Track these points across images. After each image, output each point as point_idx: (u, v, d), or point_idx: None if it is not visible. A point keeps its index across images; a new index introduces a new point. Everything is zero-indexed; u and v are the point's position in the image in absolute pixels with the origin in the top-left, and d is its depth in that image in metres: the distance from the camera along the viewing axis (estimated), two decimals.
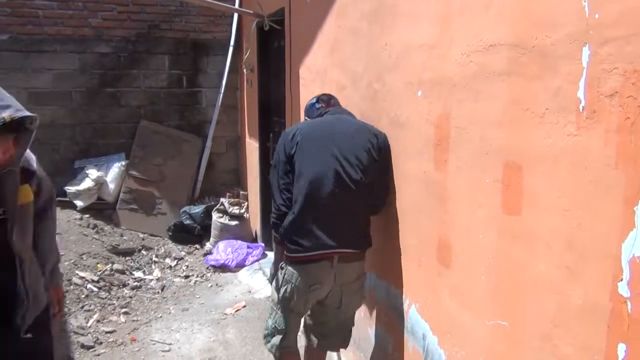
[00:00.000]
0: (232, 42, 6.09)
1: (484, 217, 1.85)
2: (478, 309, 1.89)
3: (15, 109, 1.72)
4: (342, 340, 2.78)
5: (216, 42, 6.14)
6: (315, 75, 3.59)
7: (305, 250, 2.43)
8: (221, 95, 6.18)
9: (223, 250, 5.16)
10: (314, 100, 2.79)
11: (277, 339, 2.61)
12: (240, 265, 5.03)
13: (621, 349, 1.33)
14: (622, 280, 1.31)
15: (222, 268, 5.05)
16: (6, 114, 1.69)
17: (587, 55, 1.38)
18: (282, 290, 2.53)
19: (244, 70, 5.63)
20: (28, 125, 1.80)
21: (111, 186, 5.57)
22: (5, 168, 1.86)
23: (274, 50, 4.85)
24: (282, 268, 2.55)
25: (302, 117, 2.92)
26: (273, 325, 2.63)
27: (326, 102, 2.78)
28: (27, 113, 1.75)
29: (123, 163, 5.71)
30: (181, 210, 5.61)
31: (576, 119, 1.43)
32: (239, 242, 5.28)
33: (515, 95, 1.65)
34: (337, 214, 2.43)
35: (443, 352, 2.12)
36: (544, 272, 1.57)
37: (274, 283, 2.65)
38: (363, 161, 2.44)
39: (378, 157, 2.47)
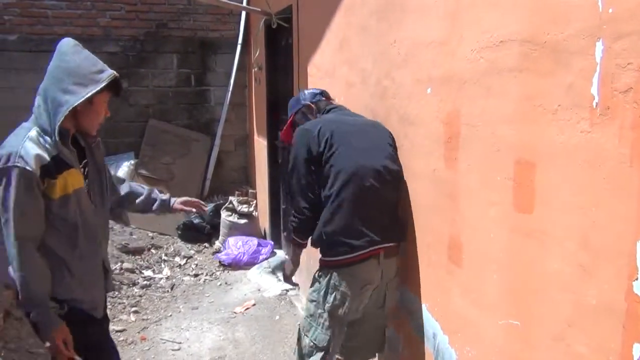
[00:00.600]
0: (240, 40, 6.08)
1: (495, 215, 1.82)
2: (490, 308, 1.87)
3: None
4: (378, 345, 2.64)
5: (224, 40, 6.14)
6: (323, 72, 3.57)
7: (355, 250, 2.30)
8: (229, 93, 6.18)
9: (234, 245, 5.16)
10: (317, 92, 2.75)
11: (317, 357, 2.38)
12: (251, 263, 5.03)
13: (637, 349, 1.30)
14: (637, 279, 1.29)
15: (233, 265, 5.05)
16: (112, 74, 1.95)
17: (600, 51, 1.36)
18: (330, 299, 2.35)
19: (254, 69, 5.62)
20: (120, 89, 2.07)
21: None
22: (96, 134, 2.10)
23: (282, 48, 4.84)
24: (321, 276, 2.40)
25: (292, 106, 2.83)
26: (311, 343, 2.40)
27: (327, 97, 2.76)
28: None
29: (132, 162, 5.73)
30: None
31: (590, 115, 1.40)
32: (248, 237, 5.28)
33: (527, 91, 1.63)
34: (379, 208, 2.36)
35: (454, 352, 2.10)
36: (558, 271, 1.55)
37: (311, 296, 2.45)
38: (392, 153, 2.44)
39: (395, 149, 2.48)
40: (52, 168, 1.88)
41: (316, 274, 2.45)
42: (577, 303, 1.48)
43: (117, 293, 4.36)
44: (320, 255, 2.44)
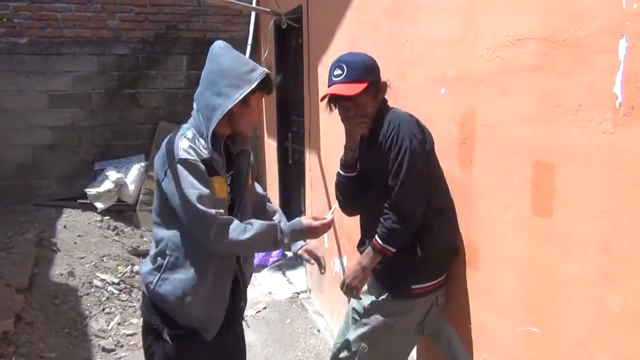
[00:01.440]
0: (249, 41, 6.04)
1: (512, 218, 1.77)
2: (507, 314, 1.82)
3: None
4: None
5: (234, 41, 5.99)
6: None
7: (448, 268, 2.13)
8: None
9: None
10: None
11: None
12: (262, 266, 4.99)
13: None
14: None
15: None
16: (263, 71, 1.89)
17: (624, 48, 1.30)
18: (420, 329, 2.13)
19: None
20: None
21: (131, 188, 5.57)
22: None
23: (292, 49, 4.80)
24: (412, 308, 2.09)
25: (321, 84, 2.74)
26: None
27: None
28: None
29: (143, 164, 5.71)
30: None
31: (612, 115, 1.35)
32: None
33: (545, 91, 1.57)
34: None
35: (469, 358, 2.05)
36: (579, 277, 1.49)
37: (376, 321, 2.10)
38: None
39: None
40: (208, 169, 1.87)
41: (393, 307, 2.10)
42: (600, 311, 1.43)
43: (127, 296, 4.35)
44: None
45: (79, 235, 4.95)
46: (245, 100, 1.86)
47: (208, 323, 1.95)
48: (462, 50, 1.99)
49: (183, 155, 1.81)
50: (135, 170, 5.66)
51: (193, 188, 1.78)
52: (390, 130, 1.94)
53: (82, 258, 4.60)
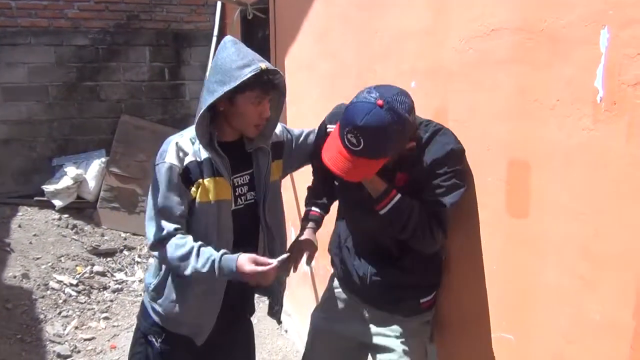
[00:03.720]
0: (215, 32, 5.85)
1: (486, 219, 1.68)
2: (480, 319, 1.73)
3: (267, 63, 1.72)
4: None
5: (199, 32, 5.91)
6: (301, 65, 3.41)
7: None
8: None
9: None
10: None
11: None
12: None
13: None
14: None
15: None
16: (263, 64, 1.69)
17: (606, 39, 1.22)
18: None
19: None
20: (279, 85, 1.81)
21: (91, 184, 5.34)
22: (257, 134, 1.84)
23: (259, 40, 4.65)
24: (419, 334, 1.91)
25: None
26: None
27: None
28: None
29: (103, 160, 5.48)
30: None
31: (593, 111, 1.26)
32: None
33: (521, 85, 1.48)
34: None
35: None
36: (555, 282, 1.41)
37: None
38: None
39: None
40: (196, 171, 1.77)
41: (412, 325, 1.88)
42: (577, 318, 1.35)
43: (86, 298, 4.16)
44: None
45: (34, 235, 4.71)
46: (232, 100, 1.72)
47: (199, 329, 1.90)
48: (434, 41, 1.89)
49: (160, 159, 1.76)
50: (96, 165, 5.43)
51: (160, 197, 1.75)
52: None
53: (37, 259, 4.38)
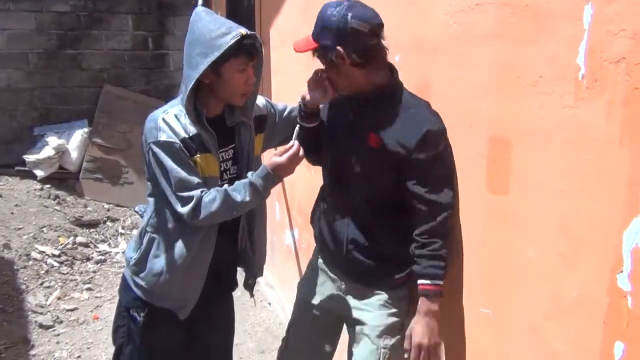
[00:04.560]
0: (200, 2, 5.74)
1: (466, 195, 1.68)
2: (458, 294, 1.75)
3: (244, 28, 1.70)
4: None
5: (183, 1, 5.79)
6: (285, 37, 3.35)
7: None
8: None
9: None
10: None
11: None
12: None
13: (618, 348, 1.20)
14: (622, 272, 1.18)
15: None
16: (242, 30, 1.67)
17: (589, 15, 1.20)
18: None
19: None
20: (260, 49, 1.77)
21: (73, 154, 5.28)
22: (244, 103, 1.83)
23: (244, 10, 4.57)
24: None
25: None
26: None
27: None
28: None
29: (86, 130, 5.41)
30: None
31: (574, 88, 1.26)
32: None
33: (504, 60, 1.47)
34: None
35: None
36: (534, 259, 1.42)
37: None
38: None
39: None
40: (190, 147, 1.75)
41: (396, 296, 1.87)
42: (555, 294, 1.36)
43: (68, 269, 4.14)
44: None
45: (16, 205, 4.66)
46: (216, 71, 1.68)
47: (183, 302, 1.90)
48: (417, 14, 1.86)
49: (159, 136, 1.72)
50: (78, 136, 5.35)
51: (171, 173, 1.72)
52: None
53: (19, 229, 4.35)
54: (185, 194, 1.71)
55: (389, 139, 1.69)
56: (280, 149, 1.76)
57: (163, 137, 1.71)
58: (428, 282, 1.67)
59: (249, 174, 1.78)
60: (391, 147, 1.68)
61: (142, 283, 1.88)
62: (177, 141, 1.72)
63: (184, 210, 1.72)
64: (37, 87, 5.43)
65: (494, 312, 1.60)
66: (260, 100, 1.97)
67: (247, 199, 1.74)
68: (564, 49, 1.27)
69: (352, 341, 1.93)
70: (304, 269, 2.25)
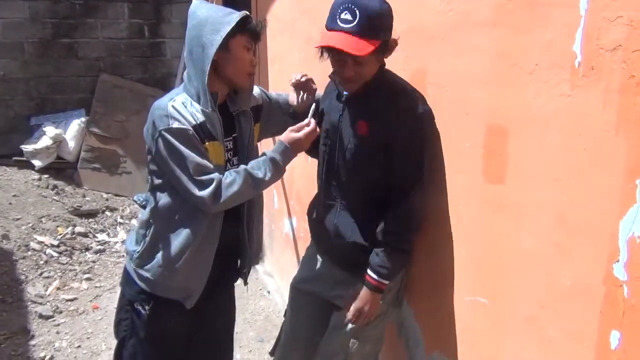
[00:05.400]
0: None
1: (463, 184, 1.68)
2: (456, 283, 1.75)
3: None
4: None
5: None
6: (283, 25, 3.32)
7: None
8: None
9: None
10: None
11: None
12: None
13: (614, 336, 1.19)
14: (618, 261, 1.17)
15: None
16: (243, 12, 1.74)
17: (586, 2, 1.19)
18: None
19: None
20: (260, 34, 1.82)
21: (71, 144, 5.26)
22: (250, 85, 1.86)
23: None
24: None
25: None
26: None
27: None
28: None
29: (83, 119, 5.39)
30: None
31: (571, 76, 1.24)
32: None
33: (500, 48, 1.45)
34: None
35: (418, 326, 1.99)
36: (530, 248, 1.42)
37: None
38: None
39: None
40: (200, 134, 1.75)
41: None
42: (551, 284, 1.36)
43: (67, 259, 4.14)
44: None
45: (14, 195, 4.65)
46: (225, 46, 1.71)
47: (189, 292, 1.91)
48: (414, 1, 1.84)
49: (170, 123, 1.72)
50: (76, 125, 5.34)
51: (188, 159, 1.71)
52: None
53: (17, 219, 4.34)
54: (205, 177, 1.71)
55: (376, 125, 1.70)
56: (296, 126, 1.79)
57: (175, 125, 1.71)
58: (375, 277, 1.75)
59: (265, 151, 1.80)
60: (378, 132, 1.69)
61: (148, 275, 1.88)
62: (190, 128, 1.72)
63: (204, 193, 1.71)
64: (33, 77, 5.41)
65: (490, 301, 1.60)
66: (256, 90, 1.98)
67: (269, 174, 1.76)
68: (560, 36, 1.26)
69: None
70: (301, 257, 2.25)
